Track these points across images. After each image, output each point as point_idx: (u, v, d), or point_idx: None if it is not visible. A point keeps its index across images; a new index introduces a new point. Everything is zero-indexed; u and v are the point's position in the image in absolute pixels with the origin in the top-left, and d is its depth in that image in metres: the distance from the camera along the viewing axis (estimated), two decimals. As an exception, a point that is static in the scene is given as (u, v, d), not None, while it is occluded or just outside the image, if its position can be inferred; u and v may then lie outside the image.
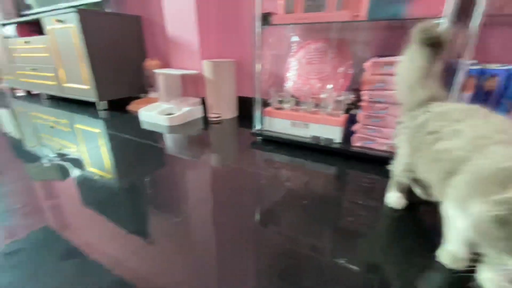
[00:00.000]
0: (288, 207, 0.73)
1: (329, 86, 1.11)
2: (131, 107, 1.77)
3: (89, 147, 1.18)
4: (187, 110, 1.50)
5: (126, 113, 1.72)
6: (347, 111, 1.06)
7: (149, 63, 1.77)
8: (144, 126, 1.46)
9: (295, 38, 1.25)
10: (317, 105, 1.09)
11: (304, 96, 1.13)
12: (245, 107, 1.63)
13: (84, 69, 1.65)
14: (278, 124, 1.15)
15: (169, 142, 1.23)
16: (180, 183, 0.86)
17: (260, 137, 1.23)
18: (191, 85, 1.63)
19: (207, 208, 0.73)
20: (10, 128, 1.50)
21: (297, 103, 1.14)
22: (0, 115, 1.77)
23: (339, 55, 1.13)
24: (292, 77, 1.21)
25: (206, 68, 1.47)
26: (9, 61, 2.21)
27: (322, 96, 1.08)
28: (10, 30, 2.07)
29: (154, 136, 1.30)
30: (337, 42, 1.13)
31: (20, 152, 1.16)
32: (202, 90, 1.59)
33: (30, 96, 2.36)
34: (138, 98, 1.98)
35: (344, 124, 1.03)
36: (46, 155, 1.11)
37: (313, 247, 0.58)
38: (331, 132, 1.03)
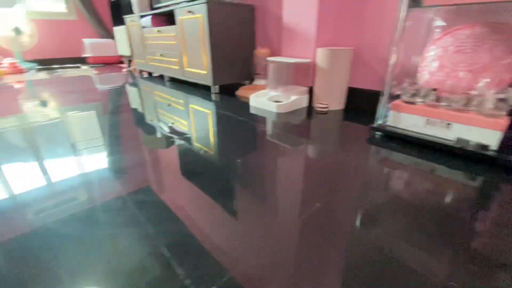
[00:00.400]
0: (402, 213, 0.64)
1: (485, 80, 0.92)
2: (240, 92, 1.90)
3: (199, 124, 1.33)
4: (294, 98, 1.51)
5: (234, 98, 1.85)
6: (510, 112, 0.87)
7: (260, 51, 1.84)
8: (252, 110, 1.54)
9: (440, 23, 1.08)
10: (467, 103, 0.92)
11: (447, 90, 0.97)
12: (355, 99, 1.53)
13: (204, 56, 1.84)
14: (407, 120, 1.03)
15: (277, 128, 1.26)
16: (281, 170, 0.87)
17: (380, 133, 1.14)
18: (300, 74, 1.63)
19: (304, 198, 0.71)
20: (136, 104, 1.82)
21: (438, 98, 0.99)
22: (130, 92, 2.16)
23: (503, 43, 0.92)
24: (431, 68, 1.06)
25: (320, 56, 1.43)
26: (143, 48, 2.65)
27: (474, 92, 0.91)
28: (146, 21, 2.47)
29: (261, 120, 1.36)
30: (502, 28, 0.91)
31: (140, 123, 1.39)
32: (311, 79, 1.57)
33: (153, 78, 2.79)
34: (243, 84, 2.11)
35: (506, 128, 0.84)
36: (160, 128, 1.31)
37: (422, 264, 0.49)
38: (485, 136, 0.86)
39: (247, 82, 2.11)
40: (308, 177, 0.82)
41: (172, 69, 2.29)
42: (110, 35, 4.04)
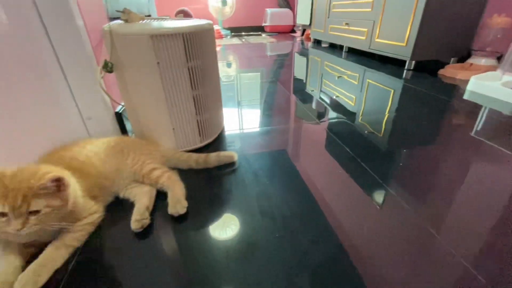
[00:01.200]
0: None
1: None
2: (446, 71, 1.56)
3: (373, 102, 1.16)
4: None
5: (433, 77, 1.54)
6: None
7: (495, 19, 1.38)
8: (467, 96, 1.22)
9: None
10: None
11: None
12: None
13: (409, 25, 1.58)
14: None
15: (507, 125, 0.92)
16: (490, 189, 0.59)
17: None
18: None
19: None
20: (300, 72, 1.83)
21: None
22: (298, 61, 2.21)
23: None
24: None
25: None
26: (325, 16, 2.63)
27: None
28: (337, -13, 2.38)
29: (478, 110, 1.04)
30: None
31: (298, 91, 1.36)
32: None
33: (327, 48, 2.77)
34: (445, 63, 1.71)
35: None
36: (320, 99, 1.22)
37: None
38: None
39: (452, 59, 1.69)
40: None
41: (356, 40, 2.16)
42: (288, 5, 4.28)
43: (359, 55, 2.30)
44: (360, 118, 1.08)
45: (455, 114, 1.05)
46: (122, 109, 0.90)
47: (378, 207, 0.59)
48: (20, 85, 0.61)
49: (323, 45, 2.96)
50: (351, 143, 0.87)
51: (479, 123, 0.97)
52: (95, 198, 0.57)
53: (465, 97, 1.23)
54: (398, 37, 1.69)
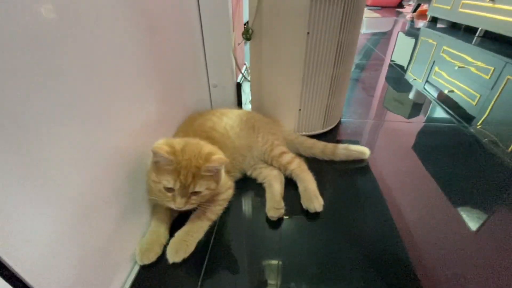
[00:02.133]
0: None
1: None
2: None
3: (507, 106, 0.86)
4: None
5: None
6: None
7: None
8: None
9: None
10: None
11: None
12: None
13: None
14: None
15: None
16: None
17: None
18: None
19: None
20: (399, 57, 1.49)
21: None
22: (402, 42, 1.83)
23: None
24: None
25: None
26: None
27: None
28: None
29: None
30: None
31: (392, 76, 1.08)
32: None
33: (457, 31, 2.25)
34: None
35: None
36: (424, 91, 0.96)
37: None
38: None
39: None
40: None
41: (501, 22, 1.68)
42: (400, -27, 3.63)
43: (501, 43, 1.80)
44: (480, 124, 0.83)
45: None
46: (242, 79, 0.87)
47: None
48: (177, 51, 0.60)
49: (439, 25, 2.44)
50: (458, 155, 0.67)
51: None
52: (228, 173, 0.55)
53: None
54: None
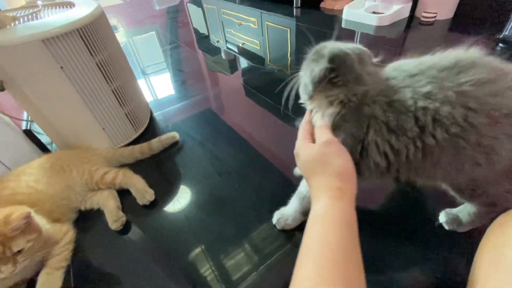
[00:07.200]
0: None
1: None
2: (325, 4, 1.77)
3: (275, 43, 1.33)
4: (397, 8, 1.39)
5: (318, 11, 1.75)
6: None
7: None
8: (345, 24, 1.48)
9: None
10: None
11: None
12: (467, 5, 1.35)
13: (288, -38, 1.67)
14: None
15: (375, 43, 1.23)
16: None
17: (505, 45, 1.06)
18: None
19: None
20: (199, 25, 1.84)
21: None
22: (193, 12, 2.14)
23: None
24: None
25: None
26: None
27: None
28: None
29: (353, 36, 1.33)
30: None
31: (203, 45, 1.44)
32: (418, -18, 1.38)
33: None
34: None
35: None
36: (227, 49, 1.34)
37: None
38: None
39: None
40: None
41: (245, -19, 2.15)
42: None
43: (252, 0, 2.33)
44: (269, 60, 1.23)
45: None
46: (28, 125, 0.80)
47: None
48: None
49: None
50: (267, 86, 1.02)
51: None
52: (59, 220, 0.58)
53: (343, 25, 1.48)
54: (281, -24, 1.78)
